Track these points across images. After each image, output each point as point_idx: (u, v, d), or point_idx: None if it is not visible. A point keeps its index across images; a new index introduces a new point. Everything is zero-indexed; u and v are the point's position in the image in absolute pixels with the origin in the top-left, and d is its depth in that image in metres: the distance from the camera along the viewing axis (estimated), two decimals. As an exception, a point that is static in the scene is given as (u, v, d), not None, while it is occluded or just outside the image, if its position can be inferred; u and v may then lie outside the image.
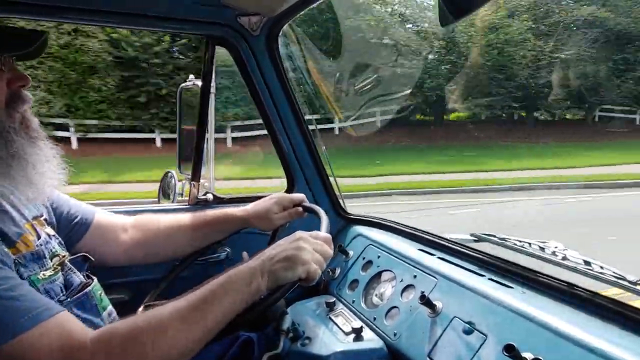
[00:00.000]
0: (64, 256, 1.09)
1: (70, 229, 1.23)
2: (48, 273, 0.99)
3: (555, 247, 1.36)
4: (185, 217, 1.40)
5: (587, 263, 1.24)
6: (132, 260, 1.35)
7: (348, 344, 1.22)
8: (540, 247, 1.38)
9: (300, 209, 1.43)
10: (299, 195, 1.46)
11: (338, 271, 1.62)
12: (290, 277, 0.98)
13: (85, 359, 0.82)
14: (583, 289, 1.04)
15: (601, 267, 1.21)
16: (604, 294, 1.01)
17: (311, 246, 1.02)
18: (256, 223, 1.41)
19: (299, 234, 1.06)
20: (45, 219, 1.14)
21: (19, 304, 0.82)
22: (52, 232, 1.13)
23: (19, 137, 0.97)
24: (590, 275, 1.18)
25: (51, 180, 1.06)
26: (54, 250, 1.07)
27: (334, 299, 1.44)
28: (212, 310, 0.90)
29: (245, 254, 1.66)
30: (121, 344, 0.84)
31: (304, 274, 0.98)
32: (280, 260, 0.98)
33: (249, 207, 1.42)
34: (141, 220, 1.39)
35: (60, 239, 1.15)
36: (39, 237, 1.04)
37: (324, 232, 1.12)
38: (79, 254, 1.16)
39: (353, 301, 1.45)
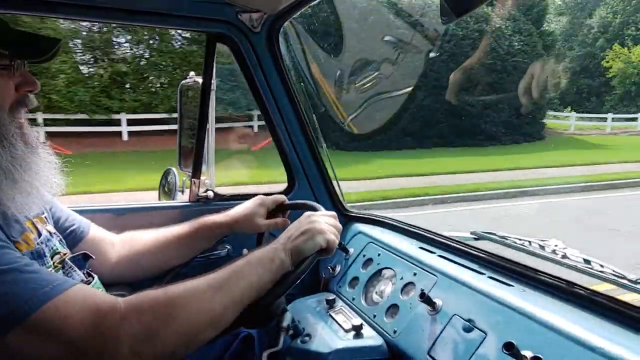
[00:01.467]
0: (64, 254, 1.10)
1: (65, 236, 1.22)
2: (49, 270, 0.99)
3: (555, 246, 1.36)
4: (170, 231, 1.40)
5: (586, 261, 1.24)
6: (120, 276, 1.33)
7: (348, 341, 1.23)
8: (540, 245, 1.38)
9: (286, 216, 1.46)
10: (279, 195, 1.49)
11: (338, 268, 1.63)
12: (312, 247, 1.05)
13: (116, 322, 0.82)
14: (583, 287, 1.05)
15: (601, 266, 1.22)
16: (603, 292, 1.01)
17: (322, 219, 1.12)
18: (239, 227, 1.41)
19: (307, 213, 1.15)
20: (46, 217, 1.14)
21: (39, 276, 0.82)
22: (53, 229, 1.13)
23: (20, 142, 0.97)
24: (590, 274, 1.18)
25: (49, 186, 1.06)
26: (54, 248, 1.07)
27: (334, 296, 1.44)
28: (241, 282, 0.96)
29: (245, 251, 1.66)
30: (153, 306, 0.86)
31: (324, 243, 1.07)
32: (299, 235, 1.07)
33: (232, 212, 1.42)
34: (127, 237, 1.38)
35: (61, 236, 1.15)
36: (39, 235, 1.04)
37: (325, 211, 1.20)
38: (79, 252, 1.16)
39: (353, 298, 1.45)
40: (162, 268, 1.40)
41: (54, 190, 1.08)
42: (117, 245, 1.35)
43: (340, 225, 1.16)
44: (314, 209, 1.24)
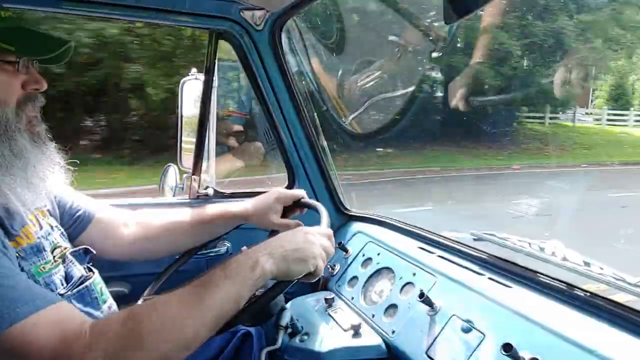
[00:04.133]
0: (65, 248, 1.09)
1: (73, 222, 1.23)
2: (48, 266, 0.99)
3: (555, 248, 1.36)
4: (185, 214, 1.40)
5: (586, 264, 1.24)
6: (132, 256, 1.35)
7: (346, 340, 1.23)
8: (540, 247, 1.38)
9: (303, 212, 1.41)
10: (299, 191, 1.42)
11: (338, 267, 1.63)
12: (301, 270, 0.97)
13: (80, 351, 0.79)
14: (582, 289, 1.05)
15: (601, 268, 1.21)
16: (602, 295, 1.01)
17: (318, 241, 1.02)
18: (255, 220, 1.39)
19: (305, 228, 1.07)
20: (49, 210, 1.14)
21: (13, 293, 0.80)
22: (54, 223, 1.13)
23: (23, 138, 0.97)
24: (590, 276, 1.18)
25: (51, 184, 1.06)
26: (55, 241, 1.07)
27: (333, 295, 1.44)
28: (216, 298, 0.87)
29: (245, 249, 1.66)
30: (119, 334, 0.81)
31: (314, 269, 0.98)
32: (292, 251, 0.96)
33: (249, 203, 1.40)
34: (141, 217, 1.39)
35: (62, 230, 1.15)
36: (40, 228, 1.04)
37: (326, 228, 1.11)
38: (80, 247, 1.16)
39: (352, 298, 1.45)
40: (174, 250, 1.41)
41: (55, 189, 1.09)
42: (131, 225, 1.35)
43: (333, 249, 1.06)
44: (320, 214, 1.21)
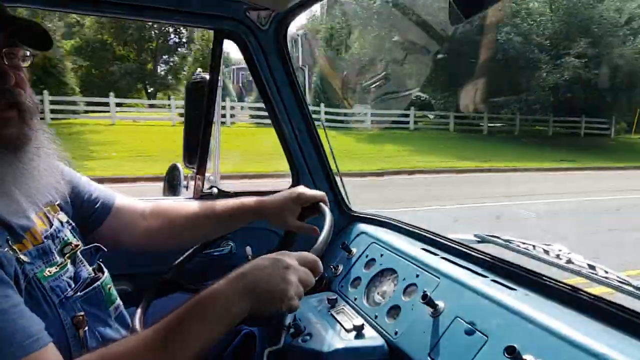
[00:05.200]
0: (76, 245, 1.06)
1: (93, 211, 1.21)
2: (54, 269, 0.96)
3: (560, 250, 1.35)
4: (205, 205, 1.36)
5: (591, 267, 1.24)
6: (151, 246, 1.32)
7: (349, 341, 1.23)
8: (544, 249, 1.37)
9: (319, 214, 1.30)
10: (321, 194, 1.32)
11: (340, 268, 1.63)
12: (272, 311, 0.91)
13: None
14: (586, 292, 1.04)
15: (605, 272, 1.21)
16: (607, 298, 1.00)
17: (297, 275, 0.92)
18: (270, 218, 1.32)
19: (287, 259, 0.93)
20: (59, 205, 1.10)
21: (5, 333, 0.75)
22: (65, 218, 1.10)
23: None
24: (594, 279, 1.18)
25: (48, 189, 0.99)
26: (65, 238, 1.05)
27: (336, 295, 1.44)
28: (188, 340, 0.81)
29: (249, 248, 1.67)
30: None
31: (286, 308, 0.90)
32: (266, 292, 0.88)
33: (266, 200, 1.33)
34: (161, 207, 1.36)
35: (73, 224, 1.12)
36: (50, 226, 1.02)
37: (313, 256, 0.99)
38: (91, 245, 1.13)
39: (355, 298, 1.45)
40: (198, 241, 1.39)
41: (53, 194, 1.02)
42: (149, 215, 1.32)
43: (313, 282, 0.95)
44: (323, 226, 1.14)
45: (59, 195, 1.06)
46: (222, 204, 1.36)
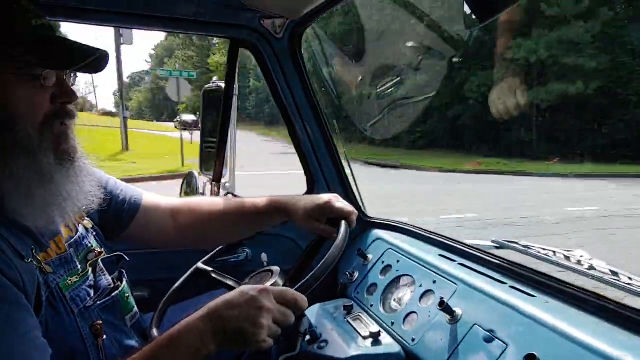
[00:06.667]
0: (100, 252, 1.07)
1: (120, 213, 1.22)
2: (74, 279, 0.97)
3: (581, 257, 1.32)
4: (242, 203, 1.34)
5: (614, 273, 1.20)
6: (182, 243, 1.33)
7: (365, 348, 1.22)
8: (565, 256, 1.34)
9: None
10: (348, 211, 1.23)
11: (357, 275, 1.62)
12: (241, 349, 0.92)
13: None
14: (609, 299, 1.01)
15: (629, 278, 1.18)
16: (632, 305, 0.97)
17: (272, 317, 0.88)
18: (298, 220, 1.28)
19: (263, 299, 0.88)
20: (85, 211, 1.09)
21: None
22: (90, 224, 1.11)
23: (48, 157, 0.90)
24: (618, 286, 1.14)
25: (74, 207, 0.98)
26: (89, 245, 1.06)
27: (352, 302, 1.43)
28: None
29: (264, 255, 1.67)
30: None
31: (255, 350, 0.90)
32: (233, 332, 0.86)
33: (299, 202, 1.28)
34: (191, 204, 1.35)
35: (98, 230, 1.13)
36: (76, 232, 1.03)
37: (293, 293, 0.93)
38: (113, 254, 1.13)
39: (371, 305, 1.44)
40: (230, 240, 1.40)
41: (76, 211, 1.01)
42: (177, 214, 1.32)
43: (292, 320, 0.91)
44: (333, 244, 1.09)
45: (97, 202, 1.06)
46: (265, 203, 1.32)
